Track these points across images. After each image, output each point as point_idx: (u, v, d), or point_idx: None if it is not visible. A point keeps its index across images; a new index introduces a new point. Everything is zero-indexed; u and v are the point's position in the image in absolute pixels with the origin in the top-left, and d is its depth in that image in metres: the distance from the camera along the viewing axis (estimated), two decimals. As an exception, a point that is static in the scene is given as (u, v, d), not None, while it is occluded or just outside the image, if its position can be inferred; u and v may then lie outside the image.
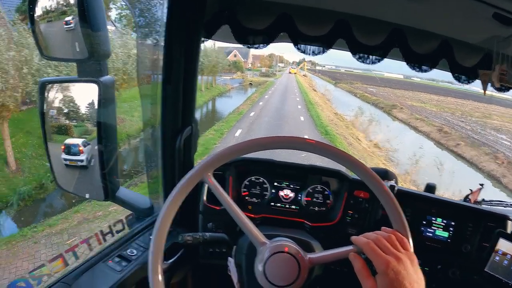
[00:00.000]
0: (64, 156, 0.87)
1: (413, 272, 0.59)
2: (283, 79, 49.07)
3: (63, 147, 0.87)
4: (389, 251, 0.61)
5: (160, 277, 0.66)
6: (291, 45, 1.23)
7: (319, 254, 0.72)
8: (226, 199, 0.72)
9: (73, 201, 5.99)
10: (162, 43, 1.06)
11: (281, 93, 28.29)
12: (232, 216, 0.71)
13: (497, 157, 14.01)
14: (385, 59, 1.25)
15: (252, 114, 16.05)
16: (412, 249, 0.64)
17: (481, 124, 23.55)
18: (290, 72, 64.73)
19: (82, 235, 4.66)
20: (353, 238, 0.67)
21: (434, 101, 35.30)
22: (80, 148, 0.86)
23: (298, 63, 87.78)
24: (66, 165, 0.88)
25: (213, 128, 12.17)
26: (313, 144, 0.70)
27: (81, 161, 0.86)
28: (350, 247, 0.67)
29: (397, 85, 49.59)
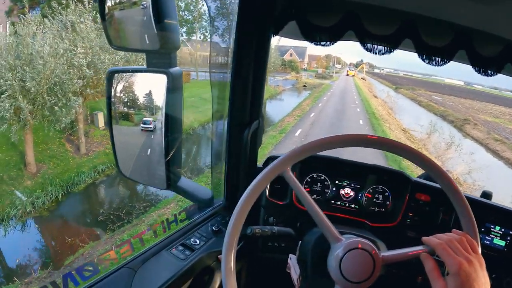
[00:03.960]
0: (141, 125, 1.08)
1: (482, 275, 0.59)
2: (341, 83, 45.76)
3: (141, 122, 1.10)
4: (461, 253, 0.61)
5: (232, 266, 0.67)
6: (349, 45, 1.15)
7: (392, 252, 0.72)
8: (304, 193, 0.74)
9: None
10: (232, 39, 1.07)
11: (338, 100, 24.99)
12: (309, 211, 0.73)
13: None
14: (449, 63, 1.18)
15: (298, 133, 12.31)
16: (480, 253, 0.64)
17: None
18: (347, 74, 61.44)
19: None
20: (425, 238, 0.68)
21: (507, 115, 29.56)
22: (151, 121, 1.05)
23: (356, 65, 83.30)
24: (141, 129, 1.08)
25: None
26: (389, 143, 0.72)
27: (151, 128, 1.05)
28: (421, 247, 0.68)
29: (461, 94, 43.75)
